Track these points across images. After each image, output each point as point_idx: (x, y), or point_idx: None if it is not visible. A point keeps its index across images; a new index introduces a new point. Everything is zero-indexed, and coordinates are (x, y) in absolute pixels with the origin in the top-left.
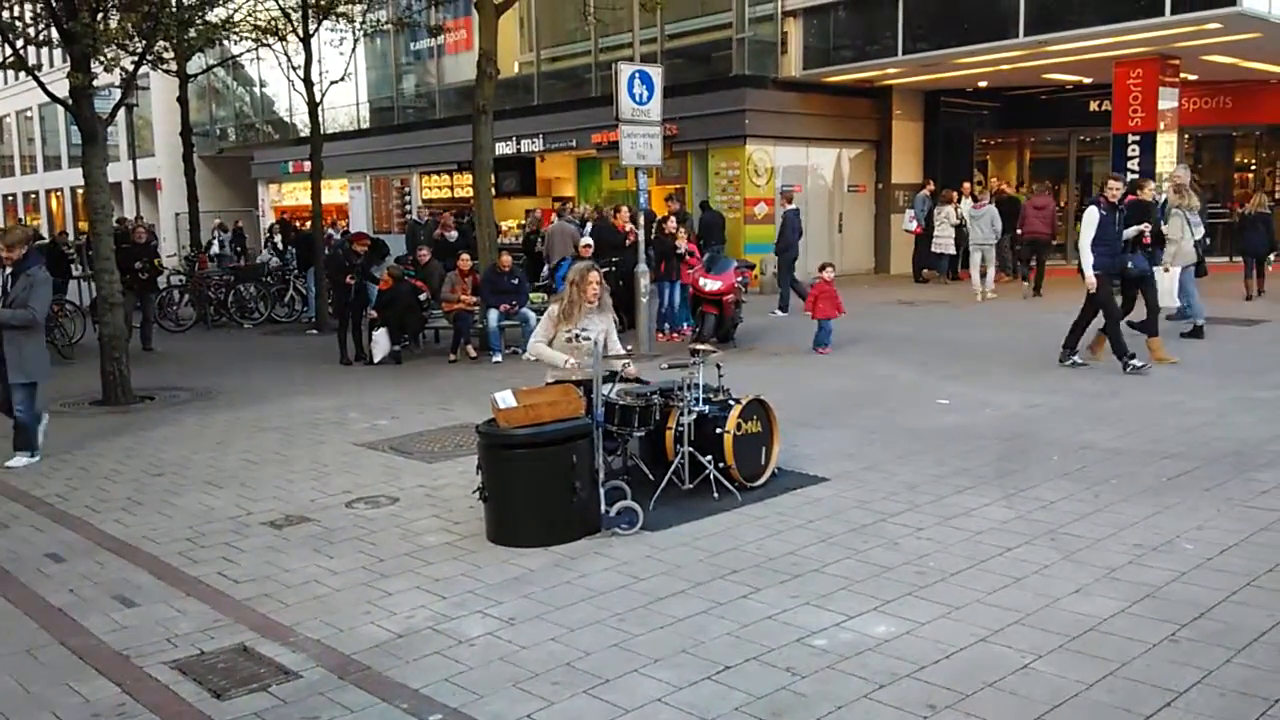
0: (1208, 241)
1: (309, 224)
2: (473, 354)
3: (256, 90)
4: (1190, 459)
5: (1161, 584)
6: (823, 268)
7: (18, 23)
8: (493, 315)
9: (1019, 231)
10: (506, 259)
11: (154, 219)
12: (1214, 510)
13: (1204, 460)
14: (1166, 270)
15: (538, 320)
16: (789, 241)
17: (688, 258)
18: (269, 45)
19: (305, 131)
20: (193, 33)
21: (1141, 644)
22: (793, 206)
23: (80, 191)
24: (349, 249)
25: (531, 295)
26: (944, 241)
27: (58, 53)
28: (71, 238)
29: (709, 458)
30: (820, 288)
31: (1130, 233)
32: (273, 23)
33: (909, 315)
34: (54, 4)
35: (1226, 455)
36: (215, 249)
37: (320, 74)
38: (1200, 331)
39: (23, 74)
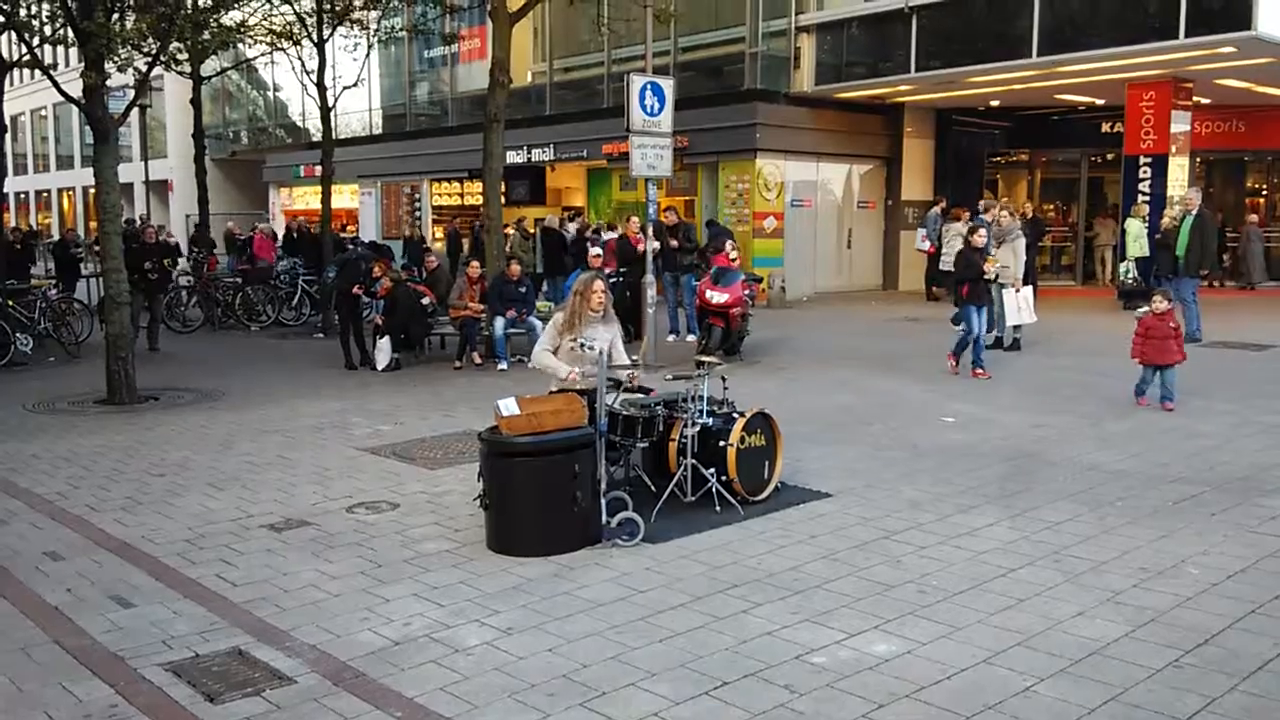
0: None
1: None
2: (478, 361)
3: (269, 94)
4: (1197, 483)
5: (1166, 609)
6: (1152, 296)
7: (34, 21)
8: (499, 323)
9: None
10: (515, 267)
11: (164, 220)
12: (1220, 535)
13: (1211, 485)
14: (1018, 290)
15: (544, 329)
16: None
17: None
18: (283, 49)
19: (317, 136)
20: (207, 35)
21: (1144, 669)
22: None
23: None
24: (369, 269)
25: (538, 304)
26: (952, 259)
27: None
28: (81, 236)
29: (712, 470)
30: (1149, 322)
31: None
32: (287, 27)
33: (916, 332)
34: (69, 3)
35: (1234, 480)
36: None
37: (334, 79)
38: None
39: (37, 72)
